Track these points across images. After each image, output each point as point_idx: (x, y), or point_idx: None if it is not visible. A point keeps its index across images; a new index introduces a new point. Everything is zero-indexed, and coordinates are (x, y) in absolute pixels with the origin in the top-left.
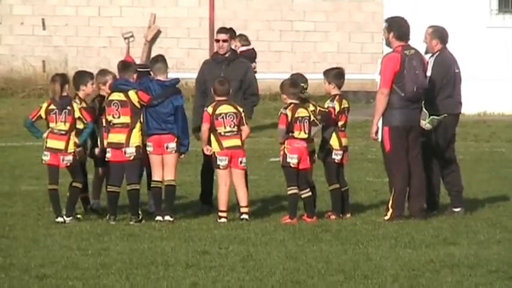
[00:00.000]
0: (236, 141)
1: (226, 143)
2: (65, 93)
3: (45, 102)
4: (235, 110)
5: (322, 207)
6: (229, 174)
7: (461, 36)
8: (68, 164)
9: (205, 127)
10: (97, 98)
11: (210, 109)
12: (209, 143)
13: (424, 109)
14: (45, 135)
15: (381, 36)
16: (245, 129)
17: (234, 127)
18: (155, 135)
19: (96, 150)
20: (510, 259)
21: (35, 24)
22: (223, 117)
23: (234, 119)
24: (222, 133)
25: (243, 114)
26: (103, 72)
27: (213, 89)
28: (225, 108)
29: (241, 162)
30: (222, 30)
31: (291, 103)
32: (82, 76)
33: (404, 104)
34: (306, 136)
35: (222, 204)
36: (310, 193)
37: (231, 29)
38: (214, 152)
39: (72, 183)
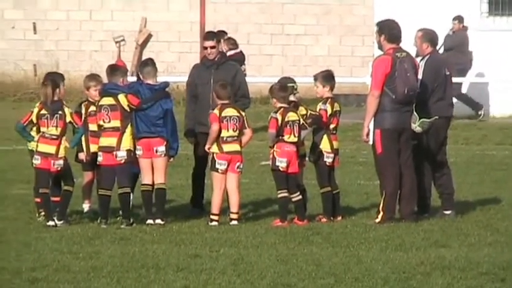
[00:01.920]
0: (236, 147)
1: (226, 148)
2: (56, 98)
3: (37, 106)
4: (238, 114)
5: (313, 210)
6: (225, 179)
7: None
8: (59, 169)
9: (215, 127)
10: (84, 103)
11: (216, 111)
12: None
13: (414, 112)
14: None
15: (371, 40)
16: (248, 132)
17: (236, 131)
18: (144, 138)
19: (81, 155)
20: (501, 261)
21: (26, 28)
22: (228, 120)
23: (237, 122)
24: (224, 138)
25: (245, 118)
26: (90, 77)
27: (215, 93)
28: (229, 111)
29: (238, 167)
30: (209, 35)
31: (281, 107)
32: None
33: (396, 107)
34: (295, 140)
35: (215, 208)
36: (300, 196)
37: (219, 32)
38: (213, 154)
39: (64, 187)
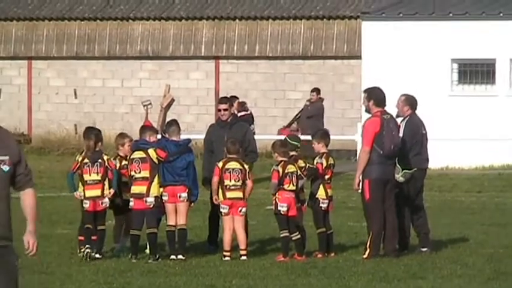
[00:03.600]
0: (238, 194)
1: (229, 194)
2: (97, 149)
3: (80, 156)
4: (241, 167)
5: (310, 247)
6: (232, 220)
7: (428, 102)
8: (107, 206)
9: (215, 179)
10: (118, 157)
11: (220, 164)
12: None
13: (397, 164)
14: (77, 193)
15: (359, 104)
16: (249, 184)
17: (238, 181)
18: (170, 186)
19: (117, 200)
20: None
21: (68, 94)
22: (230, 172)
23: (239, 174)
24: (228, 186)
25: (247, 171)
26: (121, 135)
27: (226, 148)
28: (233, 165)
29: (240, 211)
30: (223, 100)
31: (282, 160)
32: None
33: (382, 160)
34: (294, 188)
35: (227, 245)
36: (299, 236)
37: (232, 97)
38: (219, 200)
39: (100, 227)
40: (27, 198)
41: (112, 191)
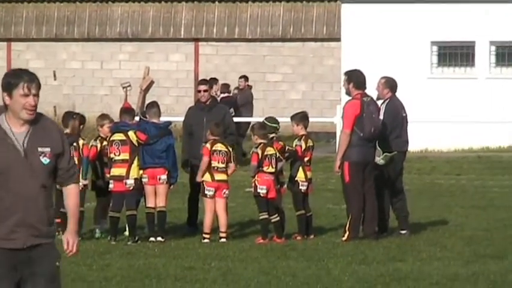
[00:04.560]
0: (224, 176)
1: (217, 176)
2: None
3: None
4: (226, 149)
5: (289, 229)
6: (214, 203)
7: (407, 85)
8: (81, 188)
9: (206, 159)
10: (98, 138)
11: (208, 145)
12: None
13: (378, 147)
14: None
15: (338, 86)
16: (232, 166)
17: (223, 163)
18: (150, 168)
19: (99, 183)
20: (449, 273)
21: (48, 75)
22: (217, 154)
23: (225, 156)
24: (216, 168)
25: (231, 154)
26: (101, 116)
27: (210, 130)
28: (219, 146)
29: (224, 193)
30: (202, 81)
31: (261, 143)
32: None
33: (363, 143)
34: (273, 170)
35: (207, 228)
36: (278, 218)
37: (211, 79)
38: (203, 182)
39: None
40: (68, 195)
41: (85, 182)
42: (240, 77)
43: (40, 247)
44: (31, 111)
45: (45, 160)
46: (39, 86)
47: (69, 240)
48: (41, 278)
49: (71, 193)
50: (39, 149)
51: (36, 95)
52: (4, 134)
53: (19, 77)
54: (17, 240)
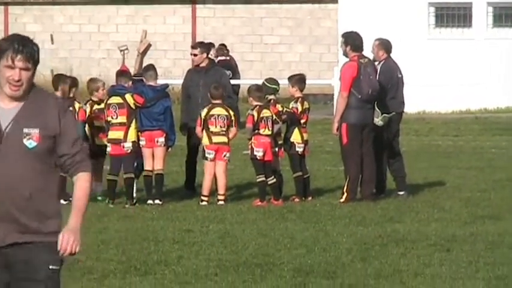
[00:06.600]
0: (223, 139)
1: (215, 139)
2: (71, 95)
3: None
4: (226, 113)
5: (287, 191)
6: (214, 166)
7: (405, 47)
8: None
9: (198, 129)
10: (89, 102)
11: (203, 113)
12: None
13: (376, 108)
14: None
15: (336, 48)
16: (233, 130)
17: (224, 127)
18: (147, 131)
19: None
20: (446, 234)
21: (45, 39)
22: (215, 118)
23: (224, 120)
24: (213, 132)
25: (233, 118)
26: (93, 80)
27: (210, 93)
28: (218, 111)
29: (224, 156)
30: (194, 45)
31: (257, 105)
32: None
33: (360, 105)
34: (269, 133)
35: (206, 190)
36: (275, 180)
37: (207, 43)
38: (204, 145)
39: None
40: (76, 186)
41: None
42: (220, 45)
43: (29, 246)
44: (15, 87)
45: (30, 143)
46: (29, 59)
47: (64, 237)
48: (28, 283)
49: (79, 184)
50: (25, 130)
51: (25, 69)
52: None
53: (9, 45)
54: None
